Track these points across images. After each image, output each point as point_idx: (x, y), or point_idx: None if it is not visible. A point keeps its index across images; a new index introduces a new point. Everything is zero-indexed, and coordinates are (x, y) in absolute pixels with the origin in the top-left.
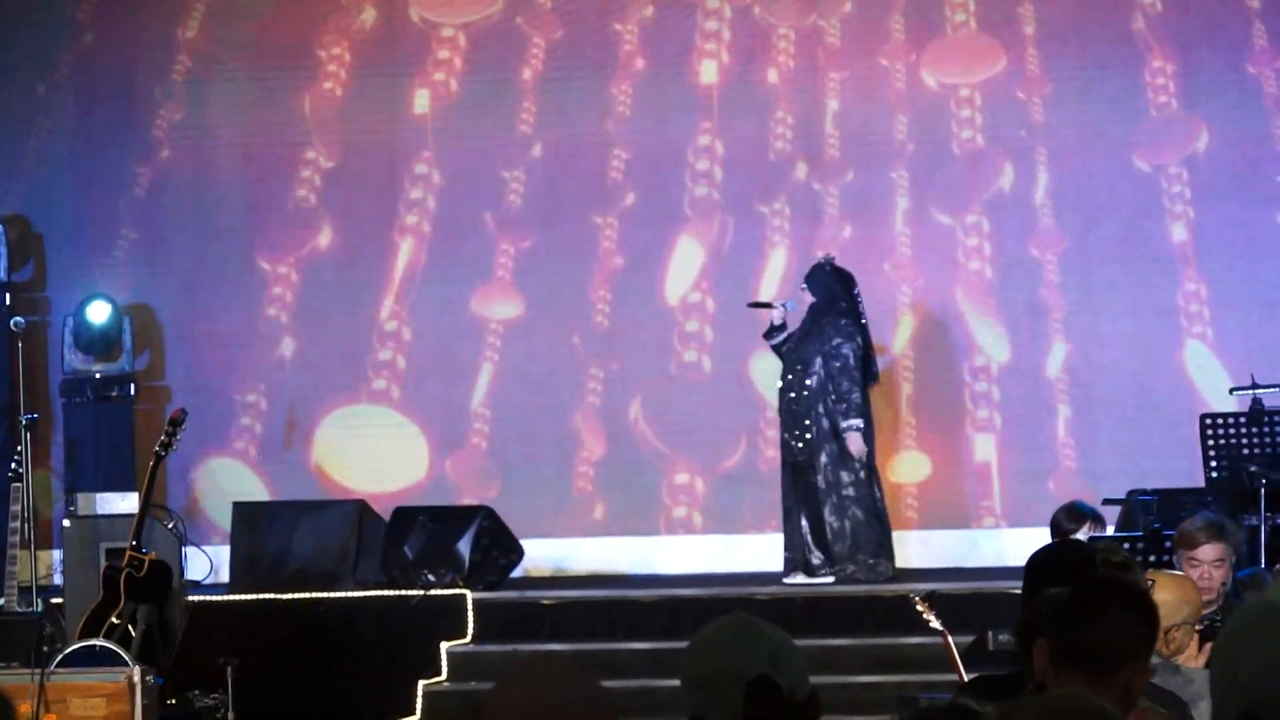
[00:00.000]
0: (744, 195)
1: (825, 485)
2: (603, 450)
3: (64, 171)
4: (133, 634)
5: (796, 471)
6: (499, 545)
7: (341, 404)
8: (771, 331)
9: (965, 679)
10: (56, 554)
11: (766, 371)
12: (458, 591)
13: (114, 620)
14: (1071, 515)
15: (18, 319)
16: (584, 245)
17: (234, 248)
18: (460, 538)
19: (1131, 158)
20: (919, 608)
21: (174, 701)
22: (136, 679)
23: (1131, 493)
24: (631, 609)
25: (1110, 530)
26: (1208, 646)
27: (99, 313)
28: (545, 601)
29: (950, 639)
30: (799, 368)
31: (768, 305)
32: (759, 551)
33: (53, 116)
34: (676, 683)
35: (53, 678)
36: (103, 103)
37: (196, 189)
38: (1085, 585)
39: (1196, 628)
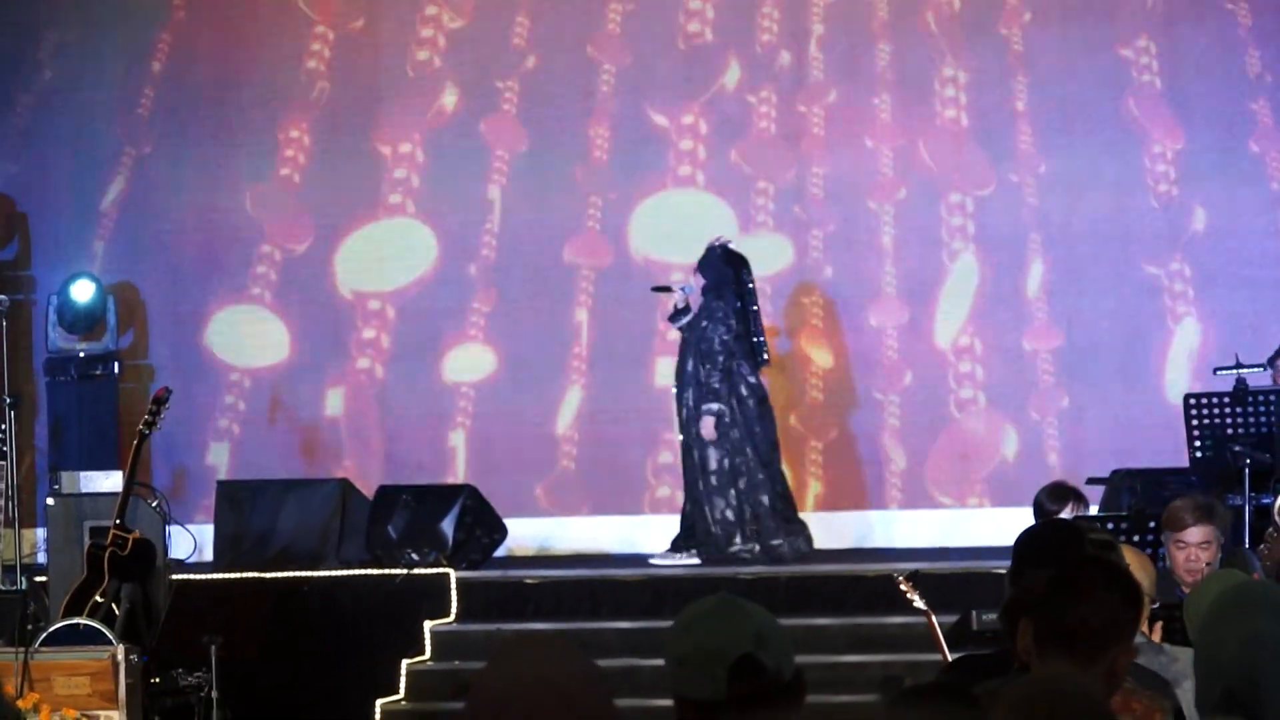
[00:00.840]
0: (725, 169)
1: (697, 469)
2: (586, 429)
3: (48, 150)
4: (116, 612)
5: (686, 452)
6: (482, 524)
7: (326, 383)
8: (676, 315)
9: (949, 659)
10: (40, 532)
11: None
12: (441, 570)
13: (98, 599)
14: (1054, 495)
15: (1, 297)
16: (567, 220)
17: (218, 226)
18: (444, 517)
19: (1115, 136)
20: (902, 587)
21: (158, 680)
22: (120, 657)
23: (1115, 473)
24: (615, 588)
25: (1093, 510)
26: (1158, 626)
27: (83, 291)
28: (529, 581)
29: (934, 619)
30: (686, 364)
31: (668, 289)
32: None
33: (37, 95)
34: (660, 662)
35: (36, 656)
36: (88, 81)
37: (181, 165)
38: (1069, 566)
39: (1152, 605)
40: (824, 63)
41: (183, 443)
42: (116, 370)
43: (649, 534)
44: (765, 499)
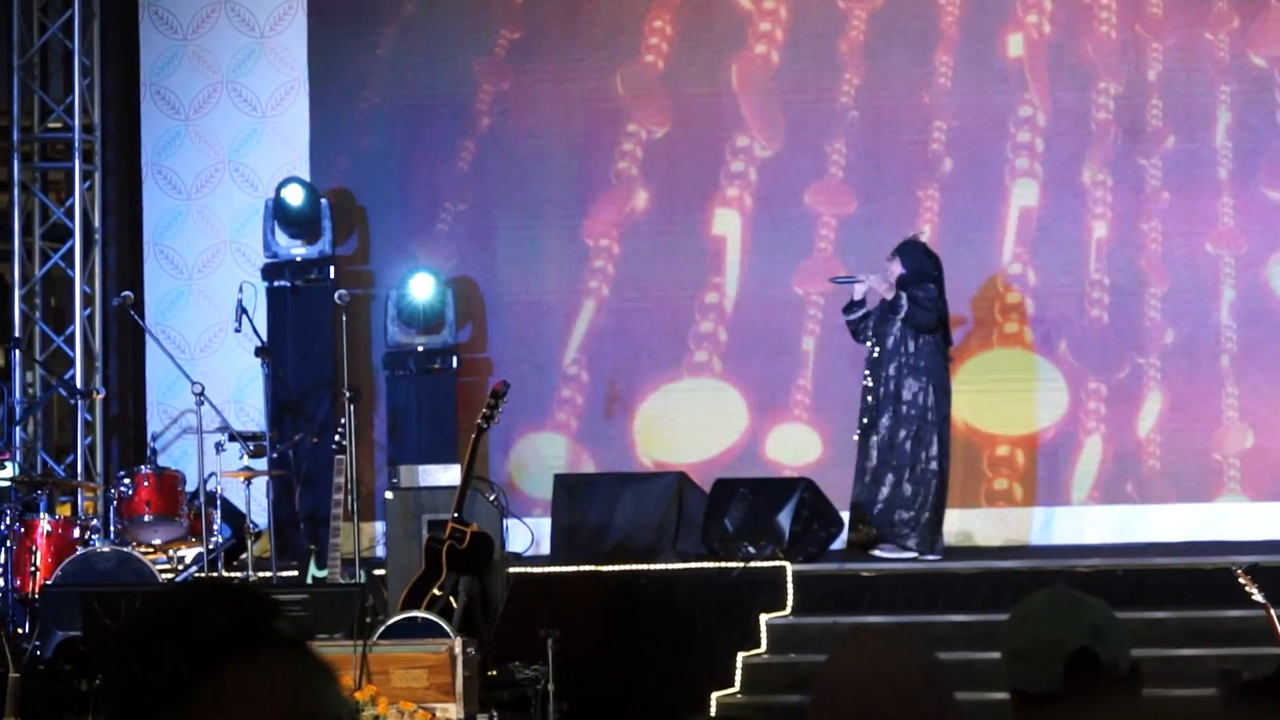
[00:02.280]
0: (1065, 165)
1: (899, 454)
2: None
3: (387, 145)
4: (454, 606)
5: (870, 442)
6: (819, 517)
7: (664, 376)
8: (851, 307)
9: None
10: (379, 526)
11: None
12: (778, 563)
13: (435, 592)
14: None
15: (341, 292)
16: (905, 216)
17: (555, 219)
18: (780, 510)
19: None
20: (1241, 580)
21: (495, 673)
22: (458, 650)
23: None
24: (951, 581)
25: None
26: None
27: (422, 287)
28: (865, 573)
29: (1273, 612)
30: (887, 342)
31: (853, 280)
32: (1079, 523)
33: (377, 90)
34: (997, 655)
35: (374, 649)
36: (426, 75)
37: (518, 161)
38: None
39: None
40: (1160, 52)
41: (520, 436)
42: (455, 364)
43: (986, 526)
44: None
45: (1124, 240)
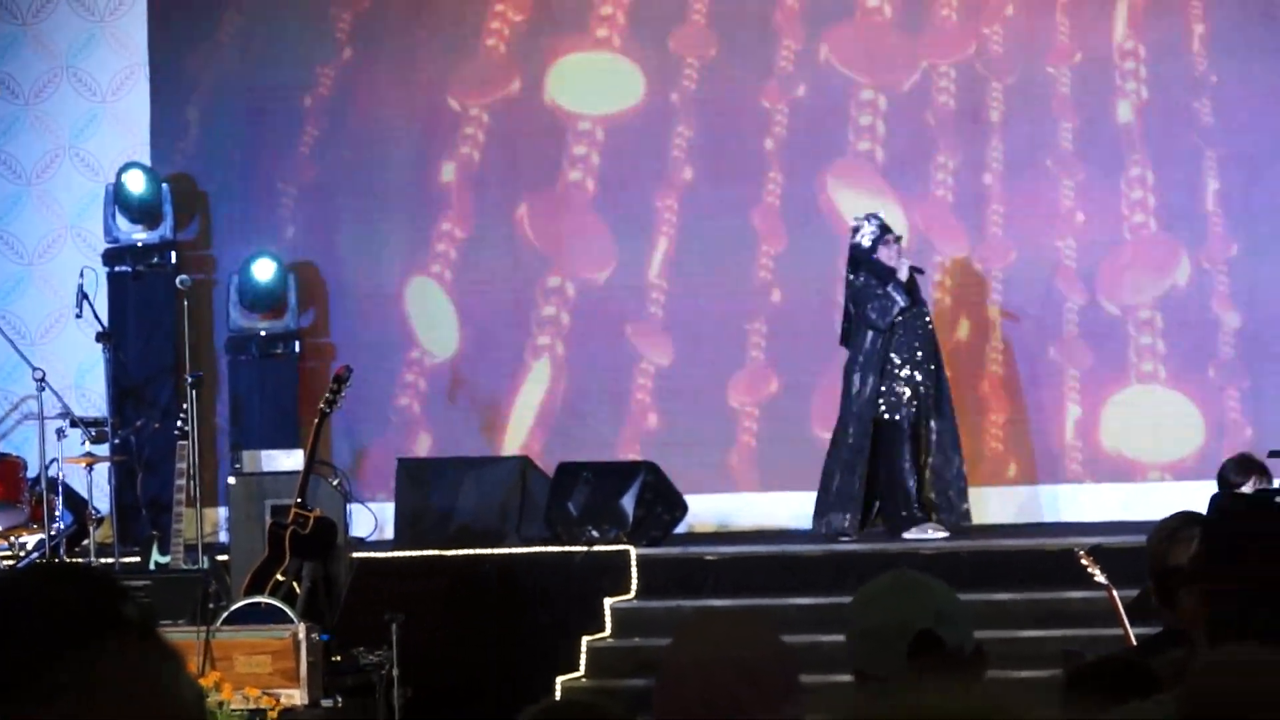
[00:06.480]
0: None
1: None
2: (765, 407)
3: (229, 129)
4: (298, 591)
5: (898, 425)
6: (663, 501)
7: (506, 360)
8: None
9: (1131, 634)
10: (222, 511)
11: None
12: (621, 548)
13: (279, 577)
14: (1239, 467)
15: (183, 277)
16: (748, 202)
17: (398, 206)
18: (624, 494)
19: None
20: (1084, 562)
21: (339, 658)
22: (301, 636)
23: None
24: (795, 564)
25: (1278, 483)
26: None
27: (264, 270)
28: (709, 557)
29: (1115, 593)
30: (926, 317)
31: (921, 271)
32: None
33: (218, 74)
34: (841, 638)
35: (218, 635)
36: (267, 59)
37: (360, 147)
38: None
39: None
40: (1003, 38)
41: (363, 421)
42: (297, 349)
43: None
44: None
45: (961, 220)
